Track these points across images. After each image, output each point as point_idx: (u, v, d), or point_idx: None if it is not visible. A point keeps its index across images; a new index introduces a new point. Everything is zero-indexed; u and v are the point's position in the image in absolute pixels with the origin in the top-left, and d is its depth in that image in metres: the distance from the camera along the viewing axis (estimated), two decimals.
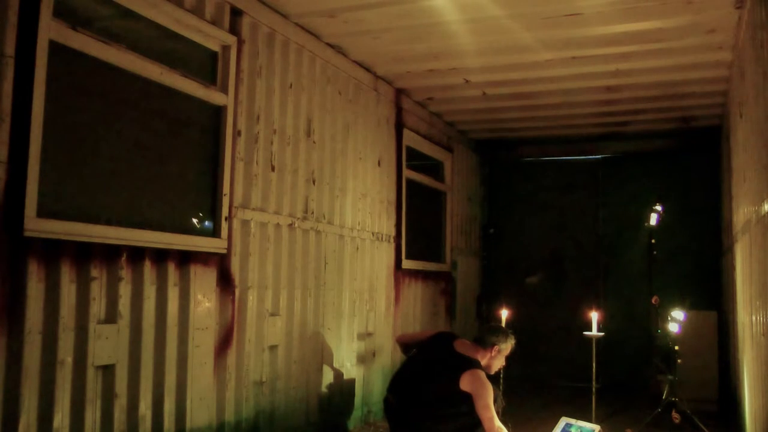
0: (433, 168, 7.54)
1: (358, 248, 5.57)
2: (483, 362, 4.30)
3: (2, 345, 2.75)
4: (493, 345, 4.34)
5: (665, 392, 5.60)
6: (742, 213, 4.80)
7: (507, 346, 4.42)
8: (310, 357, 4.88)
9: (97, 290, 3.18)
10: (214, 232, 4.01)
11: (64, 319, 3.00)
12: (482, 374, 4.14)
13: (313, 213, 4.95)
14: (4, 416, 2.75)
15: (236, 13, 4.21)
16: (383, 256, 6.03)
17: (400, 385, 4.35)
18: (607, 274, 8.28)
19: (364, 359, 5.57)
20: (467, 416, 4.04)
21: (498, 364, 4.44)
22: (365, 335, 5.63)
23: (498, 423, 3.99)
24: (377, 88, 6.01)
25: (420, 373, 4.28)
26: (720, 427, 5.48)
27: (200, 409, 3.79)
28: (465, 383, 4.06)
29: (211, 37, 4.04)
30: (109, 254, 3.25)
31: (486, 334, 4.46)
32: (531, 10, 4.48)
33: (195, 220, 4.03)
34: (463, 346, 4.35)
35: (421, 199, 7.07)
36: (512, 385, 5.83)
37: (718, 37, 4.84)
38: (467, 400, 4.04)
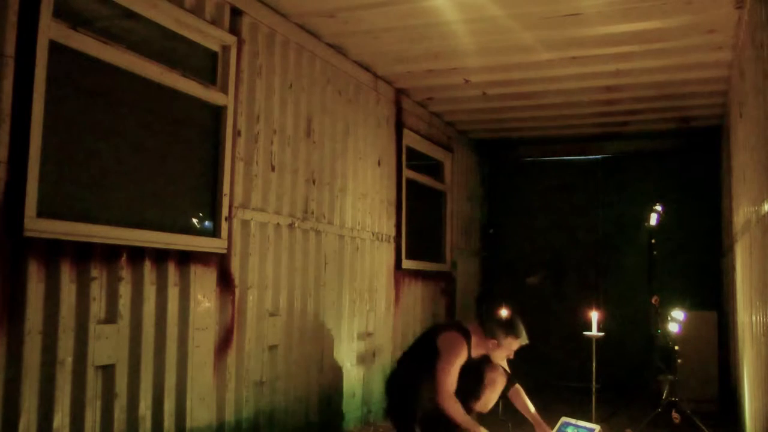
0: (433, 168, 7.53)
1: (358, 248, 5.57)
2: (481, 349, 4.48)
3: (2, 345, 2.75)
4: (492, 336, 4.50)
5: (665, 392, 5.59)
6: (742, 213, 4.79)
7: (508, 342, 4.49)
8: (310, 357, 4.88)
9: (97, 290, 3.18)
10: (214, 232, 4.01)
11: (64, 319, 3.00)
12: (458, 337, 4.35)
13: (313, 213, 4.95)
14: (4, 416, 2.75)
15: (236, 13, 4.21)
16: (383, 256, 6.02)
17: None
18: (607, 274, 8.27)
19: (364, 359, 5.57)
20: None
21: (498, 356, 4.56)
22: (365, 335, 5.63)
23: (450, 380, 4.20)
24: (377, 88, 6.01)
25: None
26: (720, 427, 5.47)
27: (200, 409, 3.79)
28: (441, 340, 4.35)
29: (211, 37, 4.04)
30: (109, 254, 3.25)
31: (491, 322, 4.56)
32: (531, 10, 4.48)
33: (195, 220, 4.03)
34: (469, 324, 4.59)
35: (421, 199, 7.06)
36: None
37: (718, 37, 4.83)
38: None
